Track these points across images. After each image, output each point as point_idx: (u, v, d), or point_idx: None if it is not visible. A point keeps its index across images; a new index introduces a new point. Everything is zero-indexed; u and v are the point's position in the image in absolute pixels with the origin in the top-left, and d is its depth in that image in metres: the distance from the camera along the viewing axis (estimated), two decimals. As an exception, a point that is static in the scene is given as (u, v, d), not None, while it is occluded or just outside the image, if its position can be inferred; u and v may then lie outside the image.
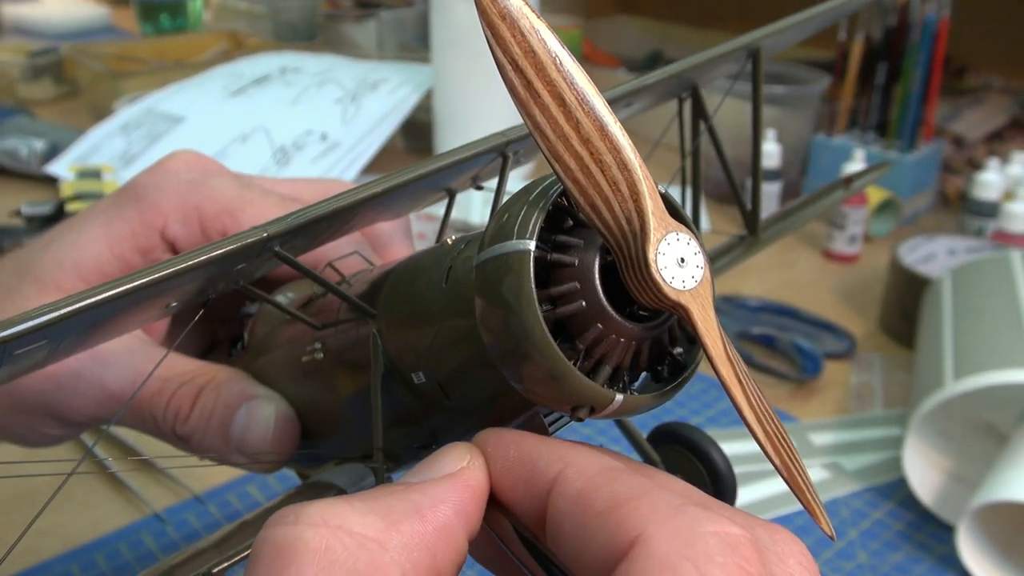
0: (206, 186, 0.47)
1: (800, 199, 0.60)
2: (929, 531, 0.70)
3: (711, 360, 0.28)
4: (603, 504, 0.26)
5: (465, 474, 0.29)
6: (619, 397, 0.29)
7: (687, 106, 0.49)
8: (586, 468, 0.27)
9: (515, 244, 0.28)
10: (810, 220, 0.59)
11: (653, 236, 0.27)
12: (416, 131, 1.44)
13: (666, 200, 0.29)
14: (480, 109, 1.31)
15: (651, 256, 0.27)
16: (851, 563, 0.67)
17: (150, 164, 0.49)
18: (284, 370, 0.43)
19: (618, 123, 0.27)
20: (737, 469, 0.44)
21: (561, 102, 0.27)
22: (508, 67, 0.27)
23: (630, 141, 0.27)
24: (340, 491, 0.38)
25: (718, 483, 0.46)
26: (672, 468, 0.47)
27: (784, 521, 0.70)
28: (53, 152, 1.34)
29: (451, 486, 0.28)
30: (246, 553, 0.34)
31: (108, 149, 1.33)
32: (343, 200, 0.34)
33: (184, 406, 0.43)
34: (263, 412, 0.42)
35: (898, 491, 0.74)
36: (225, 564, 0.34)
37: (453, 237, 0.35)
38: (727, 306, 1.00)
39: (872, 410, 0.85)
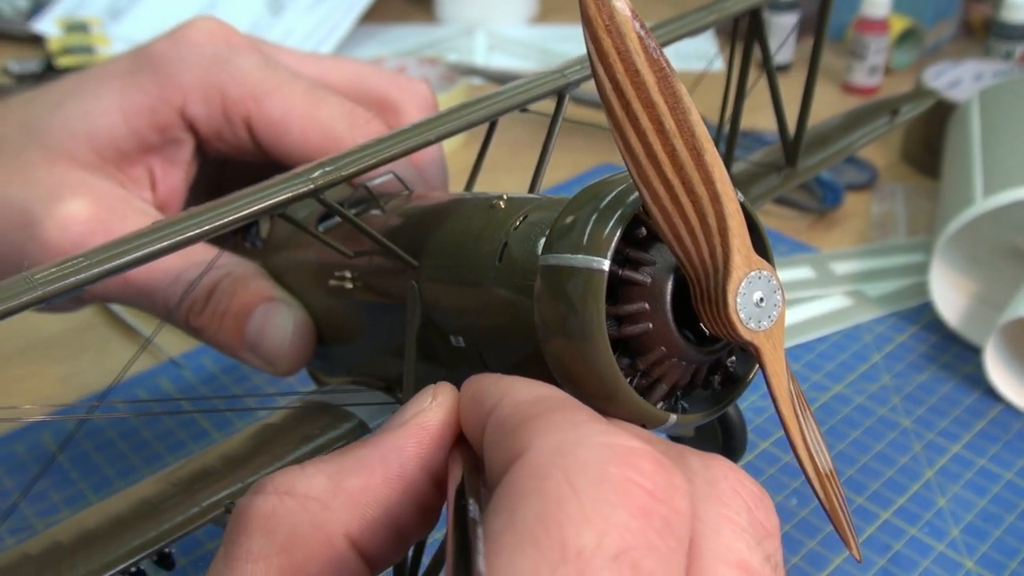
0: (231, 65, 0.44)
1: (840, 119, 0.57)
2: (954, 352, 0.69)
3: (774, 398, 0.27)
4: (514, 424, 0.25)
5: (422, 416, 0.28)
6: (673, 418, 0.29)
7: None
8: (519, 396, 0.26)
9: (588, 260, 0.27)
10: (854, 151, 0.57)
11: (735, 275, 0.26)
12: (414, -25, 1.38)
13: (747, 217, 0.27)
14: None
15: (731, 297, 0.26)
16: (875, 384, 0.67)
17: (169, 30, 0.45)
18: (307, 285, 0.42)
19: (714, 151, 0.25)
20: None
21: (659, 127, 0.25)
22: (608, 85, 0.25)
23: (724, 171, 0.26)
24: (361, 423, 0.37)
25: (729, 434, 0.44)
26: None
27: (808, 347, 0.69)
28: (37, 9, 1.28)
29: (404, 433, 0.28)
30: None
31: (94, 3, 1.27)
32: (390, 146, 0.32)
33: (198, 298, 0.42)
34: (280, 317, 0.41)
35: (922, 315, 0.73)
36: None
37: (505, 199, 0.33)
38: (745, 140, 0.97)
39: (894, 239, 0.83)
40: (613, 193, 0.28)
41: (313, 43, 1.20)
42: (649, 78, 0.25)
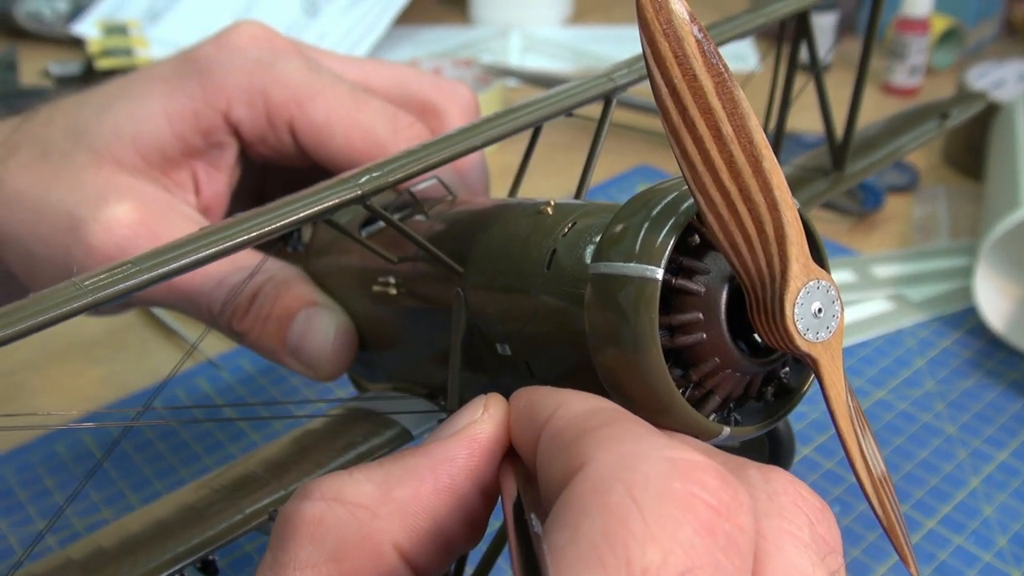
0: (274, 69, 0.44)
1: (886, 123, 0.57)
2: (1000, 358, 0.68)
3: (832, 413, 0.26)
4: (571, 436, 0.24)
5: (473, 428, 0.28)
6: (726, 430, 0.28)
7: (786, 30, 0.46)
8: (574, 408, 0.26)
9: (641, 269, 0.26)
10: (902, 156, 0.56)
11: (793, 285, 0.25)
12: (449, -23, 1.38)
13: (804, 225, 0.27)
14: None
15: (788, 306, 0.25)
16: (919, 390, 0.65)
17: (214, 34, 0.46)
18: (349, 287, 0.41)
19: (773, 157, 0.25)
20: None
21: (717, 133, 0.24)
22: (664, 90, 0.24)
23: (783, 178, 0.25)
24: (404, 430, 0.37)
25: (776, 444, 0.44)
26: None
27: (850, 352, 0.68)
28: (76, 12, 1.30)
29: (455, 444, 0.27)
30: None
31: (133, 6, 1.29)
32: (435, 152, 0.32)
33: (242, 302, 0.42)
34: (323, 322, 0.41)
35: (966, 320, 0.72)
36: None
37: (552, 204, 0.32)
38: (784, 143, 0.96)
39: (937, 242, 0.82)
40: (666, 200, 0.27)
41: (348, 45, 1.20)
42: (707, 83, 0.24)
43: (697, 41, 0.24)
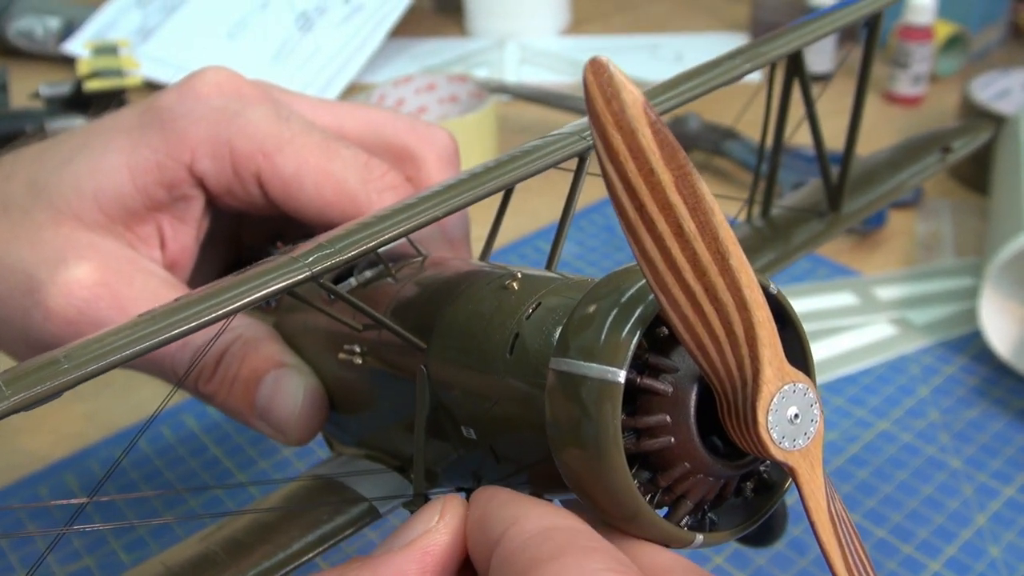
0: (240, 118, 0.42)
1: (887, 154, 0.54)
2: (1007, 385, 0.66)
3: (813, 525, 0.25)
4: (521, 566, 0.23)
5: (426, 539, 0.27)
6: (699, 538, 0.26)
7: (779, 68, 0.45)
8: (528, 528, 0.24)
9: (603, 370, 0.25)
10: (903, 193, 0.54)
11: (766, 390, 0.23)
12: (444, -12, 1.36)
13: (781, 311, 0.25)
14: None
15: (761, 415, 0.24)
16: (923, 421, 0.64)
17: (177, 82, 0.44)
18: (318, 352, 0.40)
19: (740, 253, 0.23)
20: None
21: (678, 230, 0.23)
22: (619, 186, 0.23)
23: (752, 276, 0.23)
24: (372, 508, 0.35)
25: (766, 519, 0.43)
26: None
27: (851, 380, 0.66)
28: (69, 30, 1.29)
29: (405, 558, 0.26)
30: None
31: (125, 24, 1.28)
32: (393, 225, 0.30)
33: (208, 363, 0.40)
34: (291, 385, 0.39)
35: (971, 344, 0.70)
36: None
37: (519, 278, 0.31)
38: (783, 158, 0.94)
39: (941, 260, 0.80)
40: (635, 288, 0.26)
41: (343, 59, 1.19)
42: (665, 177, 0.22)
43: (654, 131, 0.22)
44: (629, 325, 0.25)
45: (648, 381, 0.25)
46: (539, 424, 0.27)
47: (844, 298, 0.75)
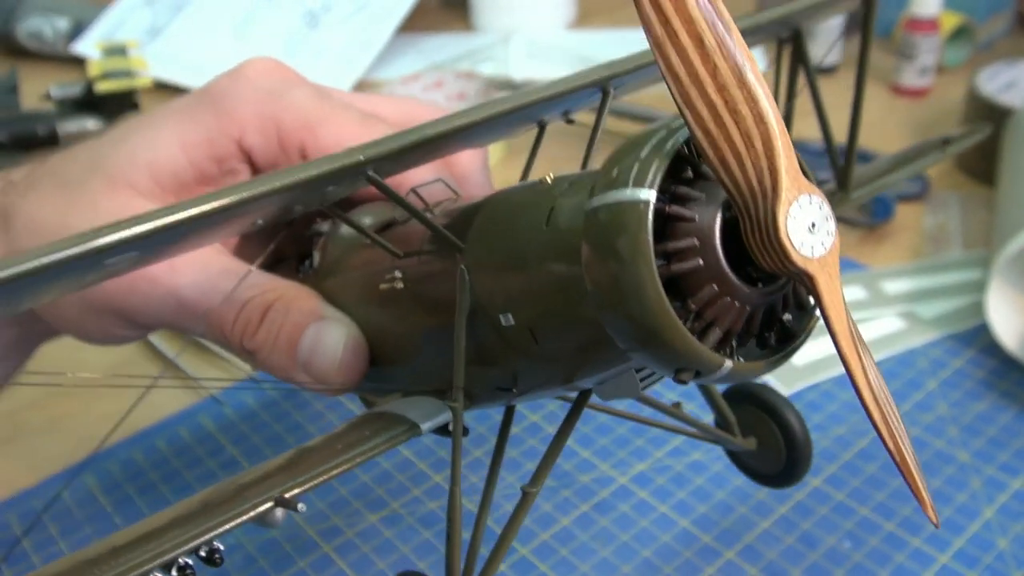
0: (285, 97, 0.46)
1: (889, 160, 0.56)
2: (1014, 378, 0.67)
3: (833, 335, 0.26)
4: None
5: None
6: (728, 363, 0.28)
7: (786, 49, 0.47)
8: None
9: (633, 193, 0.27)
10: (905, 179, 0.56)
11: (785, 197, 0.25)
12: (450, -16, 1.37)
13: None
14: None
15: (781, 219, 0.25)
16: (931, 415, 0.64)
17: (228, 69, 0.47)
18: (358, 295, 0.42)
19: (757, 71, 0.25)
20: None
21: (700, 44, 0.25)
22: (646, 2, 0.25)
23: (768, 91, 0.25)
24: (412, 425, 0.36)
25: (792, 447, 0.45)
26: (747, 429, 0.47)
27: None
28: (78, 30, 1.29)
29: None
30: (317, 481, 0.34)
31: (134, 23, 1.28)
32: (437, 127, 0.32)
33: (253, 320, 0.42)
34: (332, 335, 0.41)
35: (979, 338, 0.70)
36: (297, 490, 0.33)
37: (552, 176, 0.33)
38: (789, 151, 0.94)
39: (949, 253, 0.80)
40: (655, 138, 0.28)
41: (350, 56, 1.19)
42: None
43: None
44: (657, 157, 0.27)
45: (676, 208, 0.27)
46: (575, 290, 0.29)
47: (852, 292, 0.76)
